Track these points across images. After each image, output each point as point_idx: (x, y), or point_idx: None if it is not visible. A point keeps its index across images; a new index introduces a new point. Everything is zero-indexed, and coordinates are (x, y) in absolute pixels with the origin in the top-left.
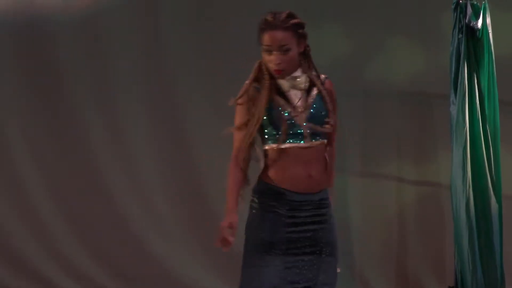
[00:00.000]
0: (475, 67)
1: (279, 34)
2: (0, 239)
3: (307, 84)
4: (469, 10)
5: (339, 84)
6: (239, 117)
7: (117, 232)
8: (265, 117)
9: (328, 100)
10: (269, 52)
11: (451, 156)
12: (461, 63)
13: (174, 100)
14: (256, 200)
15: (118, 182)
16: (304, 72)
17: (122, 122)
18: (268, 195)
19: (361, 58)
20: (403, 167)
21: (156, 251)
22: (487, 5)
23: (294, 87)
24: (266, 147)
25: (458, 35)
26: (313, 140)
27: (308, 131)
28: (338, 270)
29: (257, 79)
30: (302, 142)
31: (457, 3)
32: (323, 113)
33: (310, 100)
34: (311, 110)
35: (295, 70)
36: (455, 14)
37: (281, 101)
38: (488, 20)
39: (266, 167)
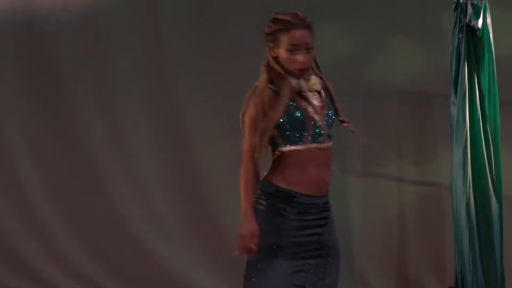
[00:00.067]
0: (475, 67)
1: (305, 33)
2: None
3: (319, 85)
4: (470, 9)
5: (339, 84)
6: (252, 119)
7: (117, 232)
8: (284, 118)
9: (335, 99)
10: (293, 51)
11: (452, 156)
12: (462, 63)
13: (174, 100)
14: (264, 203)
15: (118, 182)
16: (312, 72)
17: (122, 122)
18: (277, 198)
19: (361, 58)
20: (403, 167)
21: (156, 251)
22: (487, 5)
23: (310, 87)
24: (283, 149)
25: (458, 34)
26: (327, 142)
27: (328, 132)
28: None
29: (271, 81)
30: (321, 143)
31: (458, 2)
32: (332, 113)
33: (325, 100)
34: (328, 111)
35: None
36: (455, 14)
37: (302, 102)
38: (489, 20)
39: (276, 169)
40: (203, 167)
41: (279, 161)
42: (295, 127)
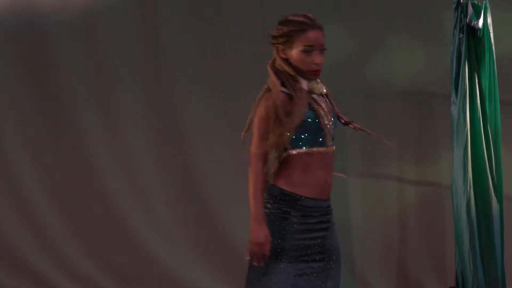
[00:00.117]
0: (476, 67)
1: (319, 34)
2: None
3: (325, 89)
4: (470, 9)
5: (339, 84)
6: (263, 123)
7: (117, 232)
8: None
9: (334, 104)
10: (309, 52)
11: (452, 156)
12: (462, 63)
13: (173, 100)
14: (268, 206)
15: (118, 183)
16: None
17: (121, 123)
18: (282, 201)
19: (361, 58)
20: (403, 167)
21: (156, 252)
22: (488, 5)
23: (319, 90)
24: (292, 152)
25: (459, 34)
26: (332, 146)
27: (333, 135)
28: None
29: (282, 83)
30: (328, 147)
31: (458, 2)
32: (335, 117)
33: (330, 104)
34: (334, 115)
35: None
36: (456, 14)
37: (315, 105)
38: (489, 20)
39: (281, 172)
40: (203, 168)
41: (284, 164)
42: (307, 130)
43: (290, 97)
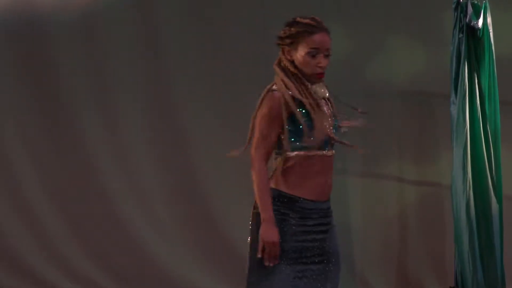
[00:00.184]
0: (475, 66)
1: (327, 38)
2: None
3: (327, 92)
4: (470, 9)
5: (339, 84)
6: (266, 123)
7: (117, 233)
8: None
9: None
10: (314, 55)
11: (452, 156)
12: (462, 62)
13: (173, 100)
14: None
15: (117, 183)
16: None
17: (121, 123)
18: (280, 203)
19: (361, 58)
20: (403, 167)
21: (156, 252)
22: (487, 5)
23: (322, 94)
24: (290, 154)
25: (458, 34)
26: (331, 149)
27: (333, 140)
28: None
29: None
30: (327, 150)
31: (458, 2)
32: (336, 121)
33: (331, 108)
34: (335, 119)
35: None
36: (455, 14)
37: (316, 108)
38: (489, 20)
39: (279, 174)
40: (203, 168)
41: (283, 166)
42: (305, 133)
43: (293, 98)
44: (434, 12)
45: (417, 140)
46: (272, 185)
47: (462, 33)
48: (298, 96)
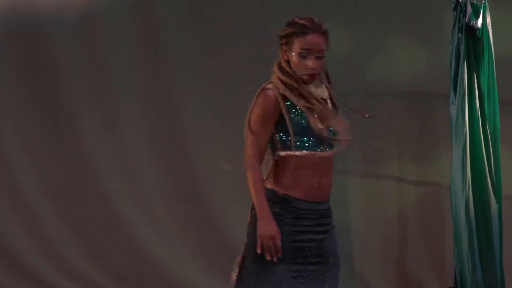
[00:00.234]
0: (475, 66)
1: (319, 39)
2: None
3: (326, 94)
4: (469, 9)
5: (339, 84)
6: (258, 122)
7: (116, 233)
8: (288, 123)
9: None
10: (305, 56)
11: (451, 156)
12: (461, 62)
13: (173, 100)
14: None
15: (117, 183)
16: (321, 81)
17: (120, 123)
18: (274, 203)
19: (361, 58)
20: (403, 167)
21: (155, 252)
22: (487, 4)
23: (318, 95)
24: (282, 154)
25: (457, 34)
26: (329, 150)
27: (330, 141)
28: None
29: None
30: (322, 150)
31: (457, 2)
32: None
33: (330, 110)
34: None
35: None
36: (455, 13)
37: (307, 108)
38: (488, 20)
39: (273, 174)
40: (203, 168)
41: (277, 166)
42: (297, 133)
43: (284, 98)
44: (434, 12)
45: (417, 140)
46: (268, 185)
47: (462, 33)
48: (289, 95)
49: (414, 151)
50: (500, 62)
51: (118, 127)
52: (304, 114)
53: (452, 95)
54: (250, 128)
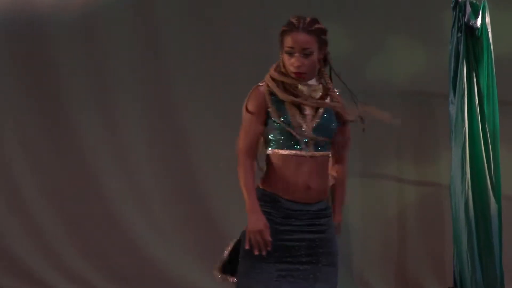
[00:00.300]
0: (474, 66)
1: (303, 37)
2: None
3: (319, 94)
4: (468, 9)
5: (339, 84)
6: (248, 118)
7: (116, 233)
8: (273, 121)
9: (342, 113)
10: (291, 54)
11: (451, 156)
12: (460, 62)
13: (173, 100)
14: None
15: (117, 183)
16: (319, 81)
17: (119, 123)
18: (263, 202)
19: (361, 58)
20: (403, 167)
21: (155, 252)
22: (486, 4)
23: (309, 94)
24: (269, 152)
25: (457, 34)
26: (316, 151)
27: (312, 140)
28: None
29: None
30: (305, 151)
31: (456, 1)
32: (332, 125)
33: (321, 110)
34: (319, 120)
35: (313, 76)
36: (454, 13)
37: (293, 108)
38: (488, 19)
39: (265, 172)
40: (203, 168)
41: (268, 164)
42: (279, 131)
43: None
44: (434, 12)
45: (416, 140)
46: (260, 184)
47: (461, 32)
48: (276, 90)
49: (413, 151)
50: (499, 61)
51: (118, 127)
52: (286, 114)
53: (451, 94)
54: (242, 124)
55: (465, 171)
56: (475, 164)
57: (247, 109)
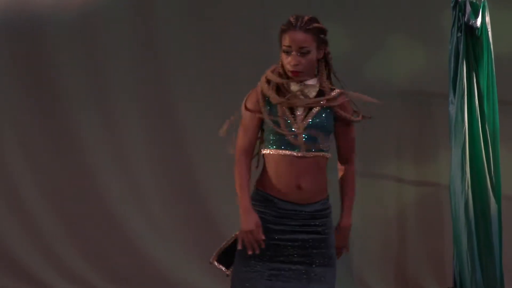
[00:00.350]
0: (474, 66)
1: (300, 36)
2: None
3: (314, 94)
4: (468, 8)
5: (339, 84)
6: (244, 117)
7: (116, 233)
8: (265, 120)
9: (342, 114)
10: (288, 53)
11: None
12: (460, 62)
13: (173, 100)
14: None
15: (117, 183)
16: (318, 82)
17: (118, 123)
18: (256, 201)
19: (361, 58)
20: (403, 167)
21: (155, 252)
22: (486, 4)
23: (302, 94)
24: (264, 152)
25: (457, 33)
26: (308, 151)
27: (307, 142)
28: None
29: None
30: (296, 151)
31: (456, 1)
32: (327, 124)
33: (315, 110)
34: (310, 121)
35: (311, 76)
36: (454, 13)
37: (283, 107)
38: (487, 19)
39: (260, 172)
40: (203, 168)
41: (263, 164)
42: (271, 131)
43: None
44: (434, 12)
45: (416, 140)
46: (255, 183)
47: (461, 32)
48: (267, 93)
49: (413, 151)
50: (499, 61)
51: (117, 127)
52: (276, 113)
53: (451, 94)
54: (241, 122)
55: (465, 171)
56: (475, 164)
57: (246, 108)
